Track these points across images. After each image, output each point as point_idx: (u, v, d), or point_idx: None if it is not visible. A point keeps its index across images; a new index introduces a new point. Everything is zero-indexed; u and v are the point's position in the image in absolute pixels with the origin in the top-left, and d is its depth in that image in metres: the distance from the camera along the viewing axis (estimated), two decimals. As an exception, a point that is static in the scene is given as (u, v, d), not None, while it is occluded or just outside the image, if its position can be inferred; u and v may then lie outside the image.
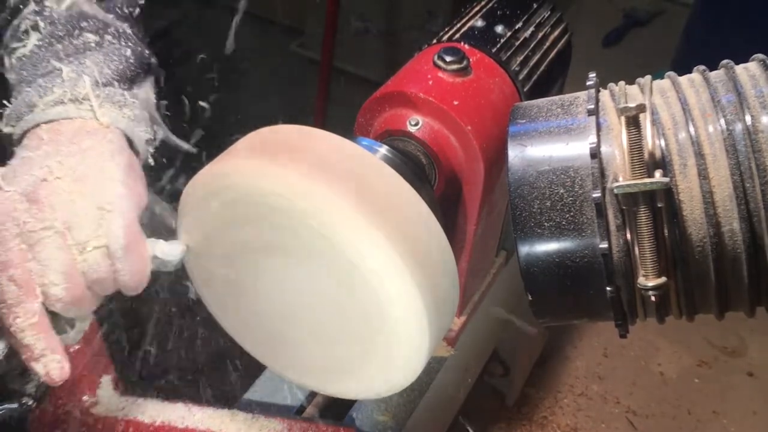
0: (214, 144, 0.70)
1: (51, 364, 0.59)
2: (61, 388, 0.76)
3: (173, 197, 0.73)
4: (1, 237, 0.57)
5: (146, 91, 0.73)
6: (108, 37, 0.70)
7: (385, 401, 0.89)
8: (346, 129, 0.77)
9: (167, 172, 0.77)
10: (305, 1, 2.36)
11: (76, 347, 0.75)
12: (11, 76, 0.68)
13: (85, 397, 0.79)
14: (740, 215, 0.52)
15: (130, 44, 0.71)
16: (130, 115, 0.67)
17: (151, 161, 0.72)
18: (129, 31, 0.73)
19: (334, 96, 2.14)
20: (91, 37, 0.69)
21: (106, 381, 0.81)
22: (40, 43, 0.68)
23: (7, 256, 0.56)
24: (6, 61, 0.70)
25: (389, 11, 2.24)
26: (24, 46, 0.68)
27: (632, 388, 1.75)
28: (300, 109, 2.31)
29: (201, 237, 0.66)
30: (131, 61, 0.70)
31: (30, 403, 0.71)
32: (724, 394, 1.75)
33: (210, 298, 0.71)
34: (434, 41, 0.89)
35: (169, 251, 0.64)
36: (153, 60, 0.75)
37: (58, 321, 0.63)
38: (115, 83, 0.68)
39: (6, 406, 0.69)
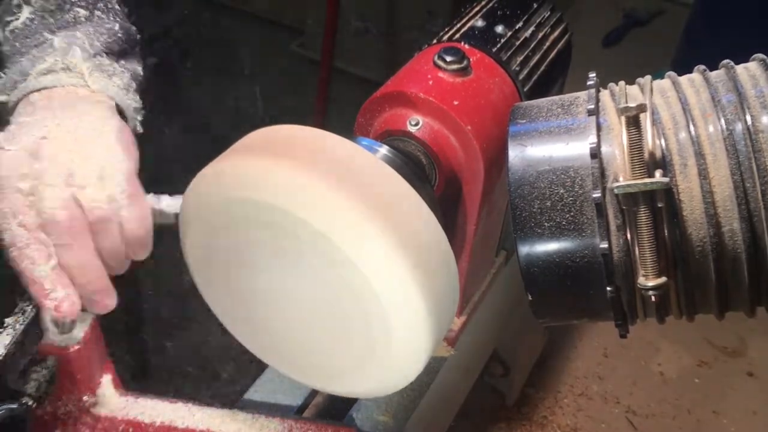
0: (214, 144, 0.70)
1: (61, 297, 0.60)
2: (61, 388, 0.76)
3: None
4: (8, 189, 0.60)
5: (134, 65, 0.76)
6: (97, 12, 0.73)
7: (385, 401, 0.89)
8: (346, 129, 0.77)
9: (168, 172, 0.77)
10: (305, 1, 2.36)
11: (77, 347, 0.75)
12: (5, 48, 0.71)
13: (85, 397, 0.79)
14: (740, 215, 0.52)
15: (118, 19, 0.74)
16: (120, 83, 0.71)
17: (139, 129, 0.74)
18: (117, 6, 0.76)
19: (334, 96, 2.14)
20: (82, 12, 0.72)
21: (107, 381, 0.81)
22: (32, 16, 0.71)
23: (15, 205, 0.59)
24: None
25: (389, 11, 2.24)
26: (16, 19, 0.71)
27: (632, 388, 1.75)
28: (300, 109, 2.31)
29: (203, 237, 0.66)
30: (119, 35, 0.74)
31: (30, 403, 0.71)
32: (724, 394, 1.75)
33: (212, 297, 0.72)
34: (434, 41, 0.89)
35: (173, 203, 0.67)
36: (138, 36, 0.78)
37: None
38: (104, 54, 0.71)
39: (6, 406, 0.69)
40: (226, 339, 0.74)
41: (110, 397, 0.81)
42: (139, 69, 0.77)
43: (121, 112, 0.70)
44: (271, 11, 2.48)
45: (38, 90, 0.66)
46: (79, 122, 0.64)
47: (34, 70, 0.67)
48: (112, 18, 0.74)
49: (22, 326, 0.64)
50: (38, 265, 0.60)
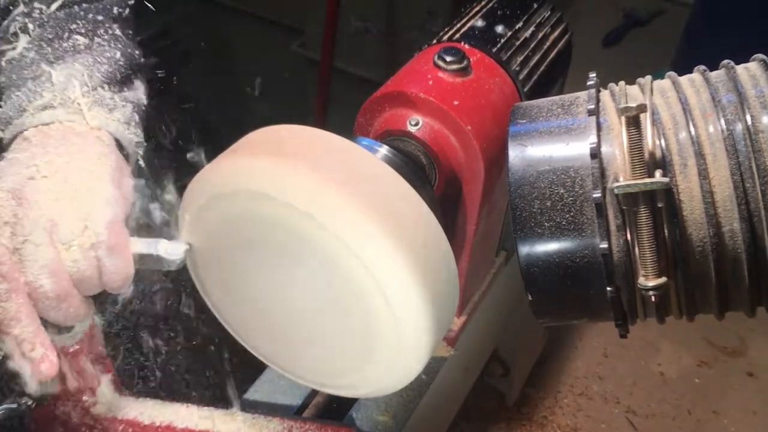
0: (214, 144, 0.70)
1: (40, 358, 0.59)
2: (61, 387, 0.76)
3: (175, 197, 0.73)
4: None
5: (137, 93, 0.74)
6: (98, 39, 0.70)
7: (385, 401, 0.89)
8: (346, 129, 0.77)
9: (168, 173, 0.78)
10: (305, 1, 2.36)
11: (76, 347, 0.75)
12: (1, 80, 0.69)
13: (85, 397, 0.79)
14: (740, 215, 0.52)
15: (119, 46, 0.72)
16: (120, 118, 0.68)
17: (141, 163, 0.72)
18: (119, 32, 0.73)
19: (334, 96, 2.14)
20: (81, 40, 0.69)
21: (106, 381, 0.81)
22: (30, 45, 0.68)
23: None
24: None
25: (389, 11, 2.23)
26: (13, 48, 0.69)
27: (632, 388, 1.75)
28: (300, 109, 2.31)
29: (203, 237, 0.66)
30: (121, 62, 0.71)
31: (29, 403, 0.71)
32: (724, 394, 1.75)
33: (213, 297, 0.72)
34: (434, 41, 0.89)
35: (171, 250, 0.65)
36: (142, 60, 0.75)
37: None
38: (105, 86, 0.69)
39: (6, 405, 0.69)
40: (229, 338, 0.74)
41: (110, 397, 0.81)
42: (143, 97, 0.74)
43: (121, 147, 0.69)
44: (271, 11, 2.47)
45: (35, 126, 0.64)
46: (70, 160, 0.62)
47: (31, 105, 0.65)
48: (113, 45, 0.71)
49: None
50: (20, 322, 0.58)
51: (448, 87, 0.79)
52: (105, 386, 0.81)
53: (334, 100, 2.15)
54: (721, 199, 0.53)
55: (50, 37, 0.68)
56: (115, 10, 0.74)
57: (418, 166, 0.77)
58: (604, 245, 0.55)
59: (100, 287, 0.62)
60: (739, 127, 0.53)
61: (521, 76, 0.87)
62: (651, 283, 0.54)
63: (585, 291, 0.58)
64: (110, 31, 0.72)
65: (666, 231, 0.54)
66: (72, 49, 0.69)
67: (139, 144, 0.71)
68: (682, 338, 1.86)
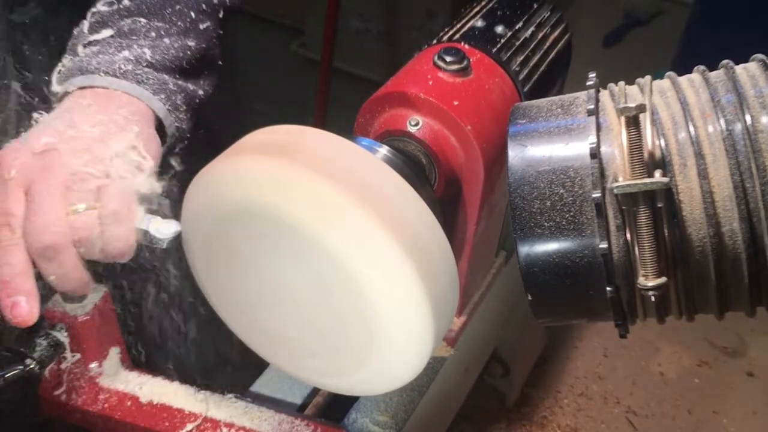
0: (214, 144, 0.70)
1: (20, 302, 0.61)
2: (69, 354, 0.79)
3: (175, 197, 0.74)
4: (8, 186, 0.62)
5: (199, 85, 0.78)
6: (174, 28, 0.75)
7: (385, 401, 0.89)
8: (346, 129, 0.77)
9: (167, 172, 0.78)
10: (305, 1, 2.36)
11: (86, 317, 0.77)
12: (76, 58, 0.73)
13: (91, 365, 0.81)
14: (740, 215, 0.52)
15: (193, 36, 0.76)
16: (167, 100, 0.72)
17: (176, 149, 0.76)
18: (202, 26, 0.77)
19: (334, 96, 2.14)
20: (158, 24, 0.74)
21: (114, 353, 0.82)
22: (112, 32, 0.73)
23: (8, 205, 0.61)
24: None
25: (389, 11, 2.23)
26: (96, 37, 0.73)
27: (632, 388, 1.75)
28: (300, 109, 2.31)
29: (204, 235, 0.66)
30: (190, 53, 0.75)
31: (33, 366, 0.73)
32: (724, 394, 1.75)
33: (213, 294, 0.72)
34: (434, 41, 0.89)
35: (162, 229, 0.66)
36: (219, 61, 0.81)
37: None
38: (166, 69, 0.73)
39: (17, 367, 0.72)
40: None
41: (116, 370, 0.83)
42: (203, 92, 0.78)
43: (162, 128, 0.72)
44: (271, 11, 2.47)
45: (84, 87, 0.69)
46: (105, 127, 0.66)
47: (88, 67, 0.69)
48: (189, 35, 0.76)
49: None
50: (7, 266, 0.61)
51: (448, 87, 0.79)
52: (112, 358, 0.82)
53: (334, 100, 2.15)
54: (721, 199, 0.53)
55: (126, 30, 0.73)
56: (203, 5, 0.78)
57: (418, 167, 0.77)
58: (603, 245, 0.55)
59: (101, 255, 0.64)
60: (739, 127, 0.53)
61: (521, 76, 0.87)
62: (651, 283, 0.54)
63: (585, 291, 0.58)
64: (189, 23, 0.76)
65: (666, 231, 0.54)
66: (145, 29, 0.73)
67: (180, 129, 0.75)
68: (681, 338, 1.86)
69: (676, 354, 1.84)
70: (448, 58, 0.80)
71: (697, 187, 0.53)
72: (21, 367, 0.73)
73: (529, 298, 0.61)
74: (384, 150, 0.75)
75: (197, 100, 0.78)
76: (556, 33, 0.96)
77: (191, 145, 0.80)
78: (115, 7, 0.74)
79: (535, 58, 0.90)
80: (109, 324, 0.81)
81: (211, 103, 0.82)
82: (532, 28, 0.92)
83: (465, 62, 0.81)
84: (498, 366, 1.56)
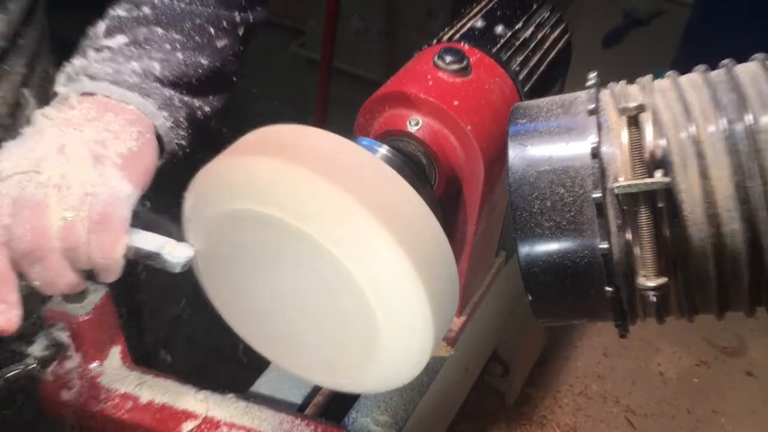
0: (214, 143, 0.70)
1: (1, 311, 0.61)
2: (70, 354, 0.79)
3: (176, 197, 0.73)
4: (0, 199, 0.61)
5: (206, 101, 0.77)
6: (191, 42, 0.74)
7: (385, 401, 0.89)
8: (346, 129, 0.77)
9: (167, 171, 0.78)
10: (305, 1, 2.36)
11: (87, 317, 0.77)
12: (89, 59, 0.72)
13: (92, 365, 0.81)
14: (741, 215, 0.52)
15: (208, 53, 0.75)
16: (168, 116, 0.71)
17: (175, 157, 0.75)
18: (219, 43, 0.76)
19: (334, 96, 2.14)
20: (175, 36, 0.73)
21: (115, 352, 0.82)
22: (126, 39, 0.72)
23: None
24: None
25: (389, 11, 2.23)
26: (109, 42, 0.72)
27: (632, 388, 1.75)
28: (300, 109, 2.31)
29: (205, 236, 0.66)
30: (202, 70, 0.74)
31: (33, 365, 0.73)
32: (723, 394, 1.75)
33: (214, 293, 0.72)
34: (434, 41, 0.89)
35: (175, 253, 0.65)
36: (234, 77, 0.80)
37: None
38: (172, 84, 0.72)
39: (18, 366, 0.73)
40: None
41: (117, 369, 0.83)
42: (209, 108, 0.78)
43: (161, 143, 0.71)
44: (271, 11, 2.48)
45: (84, 93, 0.68)
46: (104, 135, 0.65)
47: (96, 73, 0.69)
48: (202, 51, 0.74)
49: (22, 289, 0.65)
50: None
51: (448, 87, 0.79)
52: (113, 357, 0.82)
53: (334, 100, 2.15)
54: (722, 199, 0.53)
55: (141, 40, 0.72)
56: (224, 23, 0.76)
57: (418, 166, 0.77)
58: (604, 245, 0.55)
59: (87, 263, 0.64)
60: (740, 126, 0.53)
61: (521, 76, 0.87)
62: (651, 283, 0.54)
63: (585, 291, 0.58)
64: (206, 40, 0.75)
65: (666, 231, 0.54)
66: (160, 40, 0.72)
67: (179, 146, 0.74)
68: (681, 338, 1.86)
69: (675, 354, 1.84)
70: (448, 58, 0.80)
71: (698, 187, 0.53)
72: (21, 367, 0.73)
73: (529, 298, 0.61)
74: (384, 150, 0.75)
75: (203, 117, 0.77)
76: (556, 33, 0.96)
77: (191, 145, 0.80)
78: (135, 14, 0.73)
79: (535, 58, 0.90)
80: (109, 324, 0.81)
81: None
82: (532, 28, 0.92)
83: (465, 62, 0.81)
84: (498, 366, 1.55)
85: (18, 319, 0.62)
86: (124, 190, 0.64)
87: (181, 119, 0.73)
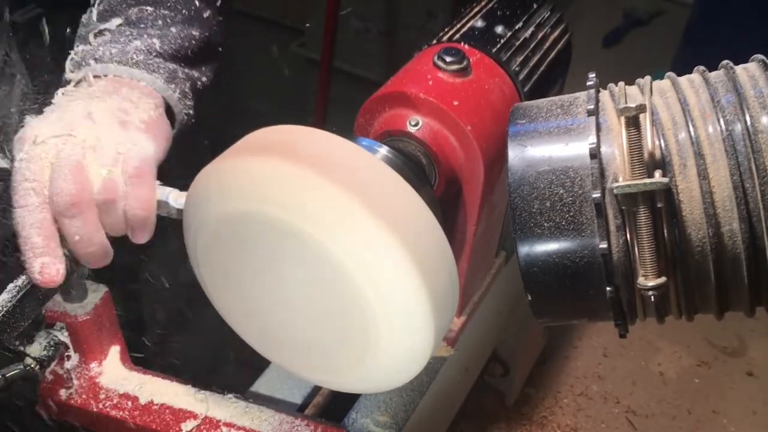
0: (214, 144, 0.70)
1: (48, 263, 0.64)
2: (69, 354, 0.80)
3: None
4: (35, 154, 0.65)
5: (203, 72, 0.82)
6: (179, 16, 0.78)
7: (385, 401, 0.89)
8: (346, 129, 0.77)
9: (168, 171, 0.78)
10: (305, 1, 2.36)
11: (86, 317, 0.77)
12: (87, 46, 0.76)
13: (92, 365, 0.81)
14: (740, 215, 0.52)
15: (197, 26, 0.80)
16: (176, 88, 0.76)
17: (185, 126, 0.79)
18: (205, 14, 0.81)
19: (334, 96, 2.14)
20: (165, 12, 0.77)
21: (114, 352, 0.82)
22: (121, 21, 0.76)
23: (33, 172, 0.64)
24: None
25: (389, 11, 2.23)
26: (105, 27, 0.76)
27: (632, 388, 1.75)
28: (300, 109, 2.31)
29: (205, 235, 0.66)
30: (194, 41, 0.79)
31: (33, 365, 0.74)
32: (723, 394, 1.75)
33: (214, 293, 0.72)
34: (434, 41, 0.89)
35: (181, 200, 0.69)
36: (220, 49, 0.85)
37: (70, 289, 0.73)
38: (173, 58, 0.76)
39: (17, 367, 0.74)
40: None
41: (116, 369, 0.83)
42: (206, 78, 0.82)
43: (171, 114, 0.76)
44: (271, 11, 2.47)
45: (97, 76, 0.72)
46: (124, 105, 0.70)
47: (102, 56, 0.73)
48: (193, 24, 0.79)
49: (23, 289, 0.67)
50: (35, 229, 0.64)
51: (448, 87, 0.79)
52: (112, 357, 0.83)
53: (334, 100, 2.15)
54: (721, 200, 0.53)
55: (134, 20, 0.76)
56: None
57: (418, 167, 0.77)
58: (603, 245, 0.55)
59: (120, 218, 0.67)
60: (739, 127, 0.53)
61: (521, 77, 0.87)
62: (650, 283, 0.54)
63: (585, 291, 0.58)
64: (193, 11, 0.79)
65: (666, 231, 0.54)
66: (152, 17, 0.76)
67: (188, 116, 0.79)
68: (681, 338, 1.86)
69: (675, 354, 1.84)
70: (448, 59, 0.80)
71: (697, 187, 0.53)
72: (21, 366, 0.74)
73: (529, 298, 0.61)
74: (384, 150, 0.75)
75: (201, 87, 0.81)
76: (556, 33, 0.96)
77: (191, 146, 0.80)
78: None
79: (535, 58, 0.90)
80: (109, 324, 0.81)
81: (211, 104, 0.83)
82: (532, 28, 0.92)
83: (465, 62, 0.81)
84: (498, 366, 1.56)
85: (64, 272, 0.65)
86: (150, 149, 0.69)
87: (186, 90, 0.78)
